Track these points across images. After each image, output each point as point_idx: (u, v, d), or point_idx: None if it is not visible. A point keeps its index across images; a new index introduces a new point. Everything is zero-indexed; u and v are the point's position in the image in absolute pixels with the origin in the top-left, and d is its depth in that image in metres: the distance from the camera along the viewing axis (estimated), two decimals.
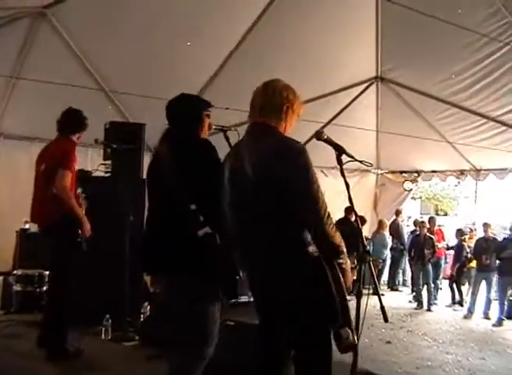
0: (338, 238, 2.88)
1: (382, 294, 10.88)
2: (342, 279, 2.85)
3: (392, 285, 13.50)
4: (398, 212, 13.99)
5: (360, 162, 3.05)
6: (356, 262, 3.11)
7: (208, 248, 3.28)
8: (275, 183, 2.83)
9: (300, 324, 2.94)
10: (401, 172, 14.05)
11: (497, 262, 10.12)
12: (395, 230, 13.55)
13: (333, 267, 2.84)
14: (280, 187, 2.82)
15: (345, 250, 2.92)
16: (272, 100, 3.10)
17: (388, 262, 13.47)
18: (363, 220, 12.06)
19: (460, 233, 12.25)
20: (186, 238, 3.33)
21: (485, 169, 12.37)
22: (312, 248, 2.86)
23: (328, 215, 2.85)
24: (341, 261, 2.90)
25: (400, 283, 13.79)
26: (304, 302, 2.85)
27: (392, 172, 14.25)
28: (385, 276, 13.62)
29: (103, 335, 6.40)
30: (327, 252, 2.87)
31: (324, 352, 2.96)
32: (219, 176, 3.16)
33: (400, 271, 13.73)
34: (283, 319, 3.02)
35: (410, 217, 17.18)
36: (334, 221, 2.89)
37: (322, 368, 2.98)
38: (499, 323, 9.74)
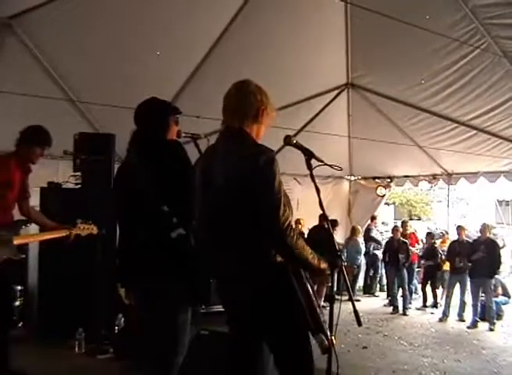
0: (301, 249, 2.84)
1: (358, 300, 10.98)
2: (309, 287, 2.82)
3: (369, 290, 13.55)
4: (373, 218, 14.19)
5: (330, 166, 3.03)
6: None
7: (181, 250, 3.25)
8: (242, 192, 2.80)
9: (271, 333, 2.92)
10: (374, 178, 14.13)
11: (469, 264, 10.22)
12: (367, 235, 13.74)
13: (299, 275, 2.81)
14: (246, 196, 2.79)
15: (312, 255, 2.89)
16: (247, 103, 3.03)
17: (363, 267, 13.57)
18: (335, 223, 12.13)
19: (430, 236, 12.38)
20: (160, 240, 3.30)
21: (456, 173, 12.48)
22: (278, 257, 2.84)
23: (291, 227, 2.82)
24: (313, 266, 2.87)
25: (377, 288, 13.84)
26: (271, 311, 2.83)
27: (365, 178, 14.33)
28: (360, 282, 13.66)
29: (76, 349, 6.33)
30: (290, 261, 2.85)
31: (303, 357, 2.94)
32: (190, 175, 3.12)
33: (378, 276, 13.80)
34: (254, 328, 2.99)
35: (383, 223, 17.31)
36: (308, 228, 2.88)
37: (303, 372, 2.96)
38: (474, 324, 9.83)
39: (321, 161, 2.99)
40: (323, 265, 2.92)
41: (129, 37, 7.68)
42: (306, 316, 2.76)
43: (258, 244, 2.85)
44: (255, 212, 2.79)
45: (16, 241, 4.90)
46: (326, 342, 2.77)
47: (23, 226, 5.25)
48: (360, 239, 13.40)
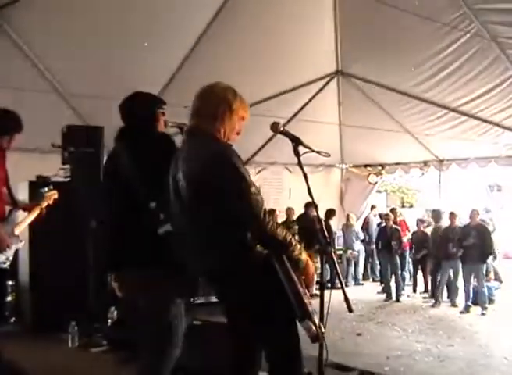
0: (280, 234, 2.82)
1: (347, 285, 11.05)
2: (293, 274, 2.81)
3: (373, 277, 13.73)
4: (372, 207, 14.45)
5: (317, 152, 3.01)
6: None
7: (168, 246, 3.23)
8: (207, 190, 2.81)
9: (260, 323, 2.91)
10: (365, 165, 14.14)
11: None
12: (366, 223, 13.97)
13: (283, 263, 2.80)
14: (213, 192, 2.79)
15: (293, 242, 2.86)
16: (208, 103, 3.03)
17: (363, 254, 13.87)
18: (332, 213, 12.21)
19: (420, 222, 12.42)
20: (147, 236, 3.28)
21: (447, 160, 12.50)
22: (258, 248, 2.83)
23: (265, 212, 2.79)
24: (295, 253, 2.85)
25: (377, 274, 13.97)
26: (258, 302, 2.83)
27: (357, 166, 14.34)
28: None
29: (70, 342, 6.31)
30: (272, 250, 2.83)
31: (291, 345, 2.93)
32: None
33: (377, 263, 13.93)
34: (245, 321, 2.99)
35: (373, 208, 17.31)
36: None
37: (292, 361, 2.96)
38: (467, 309, 9.89)
39: (309, 147, 2.97)
40: (305, 257, 2.91)
41: (116, 28, 7.63)
42: (292, 303, 2.74)
43: (236, 239, 2.83)
44: (227, 209, 2.78)
45: (17, 231, 4.89)
46: (314, 329, 2.75)
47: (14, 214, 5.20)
48: (356, 226, 13.62)
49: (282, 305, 2.76)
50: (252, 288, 2.82)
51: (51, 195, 5.25)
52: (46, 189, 5.24)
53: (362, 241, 13.65)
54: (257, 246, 2.83)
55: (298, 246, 2.87)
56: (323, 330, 2.83)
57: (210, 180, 2.79)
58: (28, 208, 5.16)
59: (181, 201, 2.96)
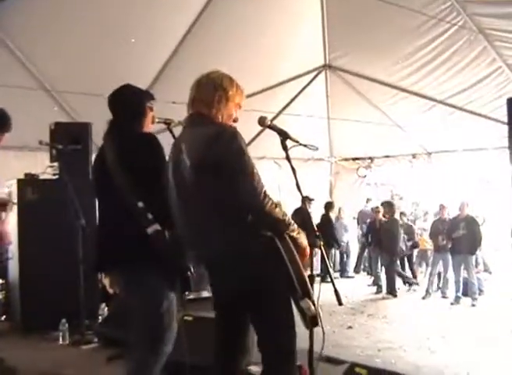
0: (279, 213, 2.85)
1: (336, 277, 11.04)
2: (295, 252, 2.82)
3: (368, 270, 13.70)
4: (368, 200, 14.49)
5: (305, 145, 3.02)
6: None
7: (158, 245, 3.23)
8: (212, 169, 2.78)
9: (260, 307, 2.91)
10: (354, 159, 14.16)
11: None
12: (361, 216, 14.16)
13: (285, 241, 2.81)
14: (217, 172, 2.78)
15: (292, 221, 2.90)
16: (204, 90, 3.05)
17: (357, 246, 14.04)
18: (331, 205, 12.28)
19: (404, 214, 12.44)
20: (137, 236, 3.27)
21: (436, 152, 12.55)
22: (259, 227, 2.84)
23: (266, 194, 2.82)
24: (292, 233, 2.88)
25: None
26: (260, 281, 2.82)
27: (346, 159, 14.36)
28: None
29: (61, 340, 6.28)
30: (273, 229, 2.84)
31: (284, 333, 2.94)
32: (163, 169, 3.09)
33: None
34: (243, 306, 2.99)
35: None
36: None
37: (285, 349, 2.95)
38: (457, 301, 9.94)
39: (296, 141, 2.98)
40: (303, 238, 2.93)
41: (103, 24, 7.59)
42: (294, 281, 2.74)
43: (240, 220, 2.84)
44: (230, 189, 2.78)
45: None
46: (313, 308, 2.75)
47: None
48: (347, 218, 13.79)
49: (282, 290, 2.76)
50: (253, 273, 2.81)
51: None
52: None
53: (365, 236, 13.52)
54: (259, 228, 2.83)
55: (296, 226, 2.90)
56: (321, 316, 2.84)
57: (213, 155, 2.78)
58: None
59: (184, 185, 2.93)
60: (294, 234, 2.90)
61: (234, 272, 2.88)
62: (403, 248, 11.32)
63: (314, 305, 2.78)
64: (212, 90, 3.03)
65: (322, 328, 2.85)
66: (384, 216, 11.74)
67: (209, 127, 2.92)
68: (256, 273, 2.81)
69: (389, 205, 11.48)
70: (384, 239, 11.06)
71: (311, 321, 2.82)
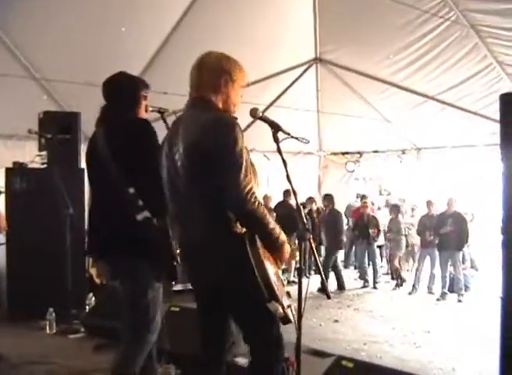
0: (262, 212, 2.76)
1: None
2: (263, 258, 2.77)
3: (355, 264, 13.69)
4: (358, 196, 14.21)
5: (296, 138, 3.00)
6: (296, 241, 3.08)
7: (146, 232, 3.22)
8: (202, 156, 2.73)
9: (235, 303, 2.90)
10: (343, 153, 14.17)
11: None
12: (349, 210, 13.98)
13: (254, 243, 2.75)
14: (206, 160, 2.72)
15: (273, 222, 2.83)
16: (208, 73, 2.96)
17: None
18: (311, 201, 12.29)
19: (396, 208, 12.43)
20: (126, 223, 3.26)
21: (425, 148, 12.58)
22: (237, 225, 2.80)
23: (253, 193, 2.72)
24: (274, 235, 2.83)
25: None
26: (230, 281, 2.79)
27: (335, 153, 14.37)
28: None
29: (48, 329, 6.26)
30: (251, 227, 2.79)
31: (267, 326, 2.91)
32: (156, 156, 3.05)
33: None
34: (220, 304, 2.97)
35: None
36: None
37: (270, 342, 2.94)
38: (443, 296, 9.99)
39: (288, 134, 2.95)
40: (283, 237, 2.88)
41: (93, 13, 7.53)
42: (259, 284, 2.71)
43: (221, 211, 2.78)
44: (216, 180, 2.72)
45: None
46: (281, 310, 2.74)
47: None
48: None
49: (250, 285, 2.71)
50: (227, 270, 2.77)
51: None
52: None
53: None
54: (236, 226, 2.79)
55: (277, 226, 2.84)
56: (301, 314, 2.83)
57: (206, 141, 2.71)
58: None
59: (175, 172, 2.88)
60: (274, 233, 2.83)
61: (208, 268, 2.85)
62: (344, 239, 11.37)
63: (282, 307, 2.76)
64: (217, 71, 2.96)
65: (295, 323, 2.85)
66: (325, 208, 11.68)
67: (209, 113, 2.85)
68: (229, 270, 2.77)
69: (329, 198, 11.44)
70: (325, 231, 11.08)
71: (283, 321, 2.81)
